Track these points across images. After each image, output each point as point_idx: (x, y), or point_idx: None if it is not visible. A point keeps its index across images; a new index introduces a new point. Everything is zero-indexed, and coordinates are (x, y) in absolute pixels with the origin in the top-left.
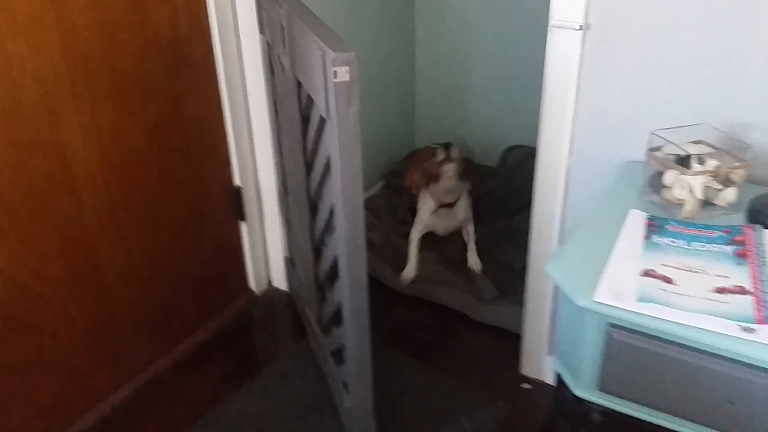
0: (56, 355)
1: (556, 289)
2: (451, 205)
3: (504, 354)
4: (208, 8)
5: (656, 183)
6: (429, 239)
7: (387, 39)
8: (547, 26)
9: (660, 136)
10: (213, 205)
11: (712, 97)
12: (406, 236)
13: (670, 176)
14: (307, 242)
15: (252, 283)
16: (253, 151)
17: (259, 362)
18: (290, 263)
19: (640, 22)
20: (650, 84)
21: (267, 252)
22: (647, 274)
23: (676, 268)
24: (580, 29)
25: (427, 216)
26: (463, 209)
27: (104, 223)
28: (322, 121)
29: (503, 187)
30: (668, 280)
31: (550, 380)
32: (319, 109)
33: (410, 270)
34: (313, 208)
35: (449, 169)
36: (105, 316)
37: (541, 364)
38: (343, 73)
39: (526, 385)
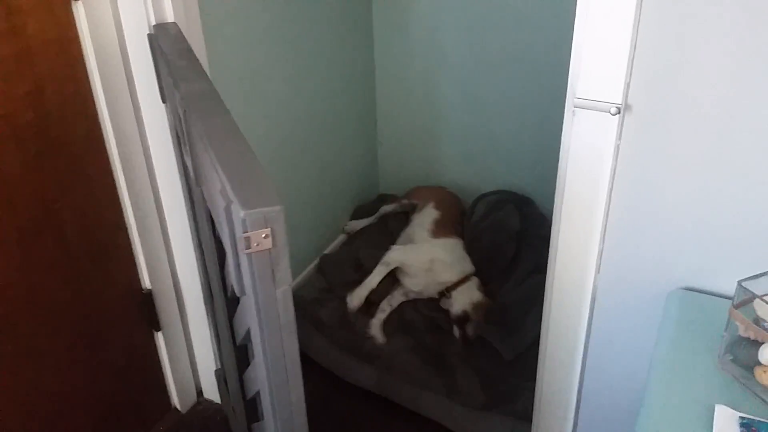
0: None
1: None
2: None
3: None
4: (90, 74)
5: (742, 352)
6: (399, 319)
7: (342, 67)
8: (566, 104)
9: (749, 290)
10: (113, 316)
11: None
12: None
13: None
14: (237, 387)
15: (175, 401)
16: (168, 246)
17: None
18: (221, 379)
19: (708, 104)
20: (721, 188)
21: (194, 363)
22: None
23: None
24: (618, 113)
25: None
26: None
27: None
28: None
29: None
30: None
31: None
32: (230, 277)
33: (360, 297)
34: (242, 354)
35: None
36: None
37: None
38: (262, 240)
39: None
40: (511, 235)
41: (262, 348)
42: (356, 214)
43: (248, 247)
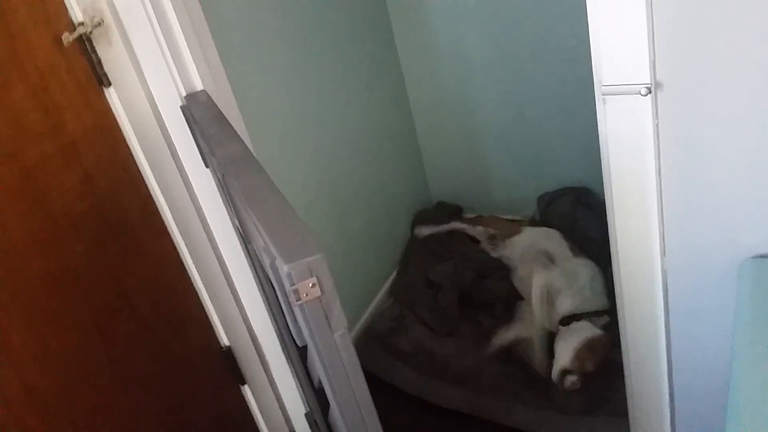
0: None
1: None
2: None
3: None
4: (135, 153)
5: None
6: (479, 329)
7: (374, 93)
8: (595, 93)
9: None
10: (199, 377)
11: None
12: (451, 333)
13: None
14: (326, 429)
15: None
16: (239, 303)
17: None
18: (312, 421)
19: (741, 60)
20: None
21: (285, 409)
22: None
23: None
24: (649, 93)
25: None
26: None
27: None
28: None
29: None
30: None
31: None
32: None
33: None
34: (321, 397)
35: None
36: None
37: None
38: (310, 289)
39: None
40: (597, 245)
41: (332, 392)
42: (418, 220)
43: (298, 299)
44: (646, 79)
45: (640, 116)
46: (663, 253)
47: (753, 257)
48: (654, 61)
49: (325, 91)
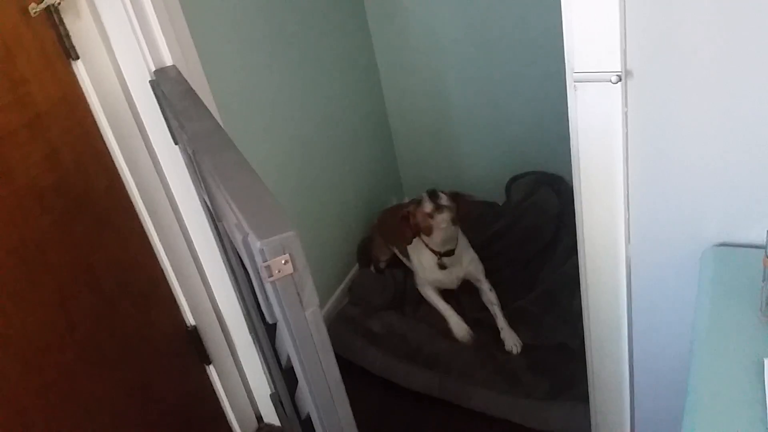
0: None
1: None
2: (451, 252)
3: None
4: (102, 128)
5: None
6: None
7: (347, 81)
8: (567, 80)
9: None
10: (163, 356)
11: None
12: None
13: None
14: (292, 410)
15: (237, 430)
16: (205, 282)
17: None
18: (278, 402)
19: (708, 52)
20: (738, 136)
21: (250, 390)
22: None
23: None
24: (619, 81)
25: (429, 271)
26: (467, 259)
27: None
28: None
29: (509, 231)
30: None
31: None
32: (260, 304)
33: (460, 326)
34: (289, 377)
35: (442, 219)
36: None
37: None
38: (282, 266)
39: None
40: (550, 217)
41: (302, 370)
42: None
43: (271, 275)
44: (617, 67)
45: (609, 104)
46: (628, 240)
47: (714, 246)
48: (625, 50)
49: (297, 69)
